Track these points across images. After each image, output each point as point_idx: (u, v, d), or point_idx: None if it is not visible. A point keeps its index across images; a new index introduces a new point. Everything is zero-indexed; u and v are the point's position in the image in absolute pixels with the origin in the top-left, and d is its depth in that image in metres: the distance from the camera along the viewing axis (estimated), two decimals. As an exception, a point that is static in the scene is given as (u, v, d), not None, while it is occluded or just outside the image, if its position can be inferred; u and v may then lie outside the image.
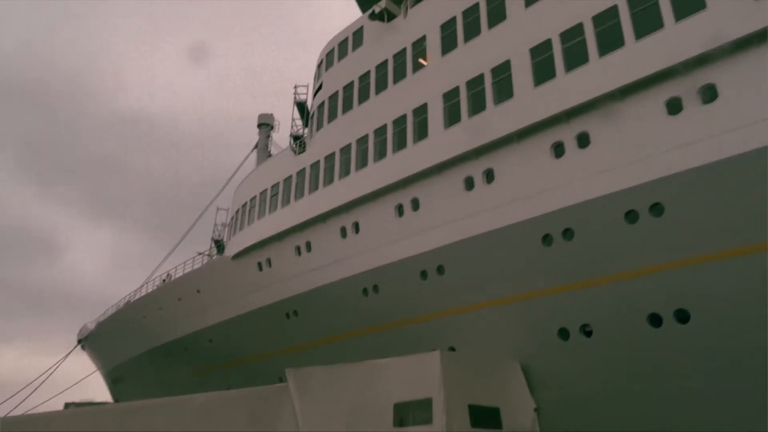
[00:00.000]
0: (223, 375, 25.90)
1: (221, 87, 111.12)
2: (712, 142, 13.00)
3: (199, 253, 30.19)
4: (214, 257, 29.41)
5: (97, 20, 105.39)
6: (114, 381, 38.46)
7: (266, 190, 25.84)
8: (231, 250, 26.67)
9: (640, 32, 14.87)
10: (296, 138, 26.26)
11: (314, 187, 23.19)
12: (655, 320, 13.36)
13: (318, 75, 26.39)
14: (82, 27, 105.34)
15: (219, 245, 30.02)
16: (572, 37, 16.38)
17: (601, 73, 15.28)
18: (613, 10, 15.52)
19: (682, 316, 12.99)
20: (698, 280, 12.81)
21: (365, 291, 20.00)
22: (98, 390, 41.56)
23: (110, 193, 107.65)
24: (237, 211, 27.74)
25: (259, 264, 24.68)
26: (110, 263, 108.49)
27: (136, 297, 33.03)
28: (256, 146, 34.71)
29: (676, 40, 14.06)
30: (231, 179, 32.71)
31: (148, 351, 32.07)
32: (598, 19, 15.88)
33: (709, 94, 13.50)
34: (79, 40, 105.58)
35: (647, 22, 14.81)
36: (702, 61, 13.58)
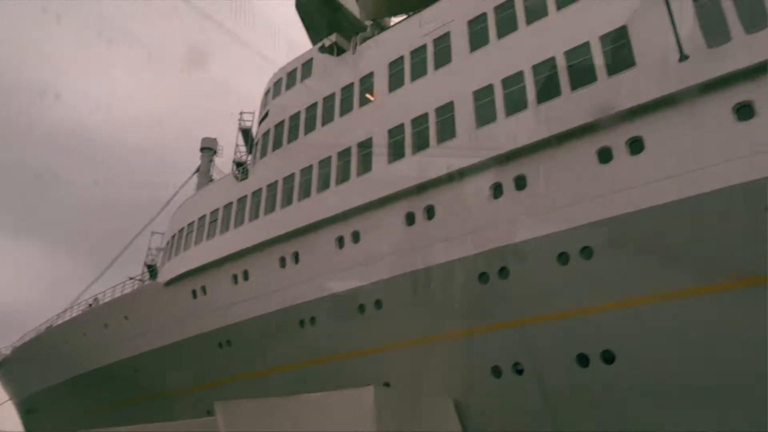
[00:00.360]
0: (149, 407, 24.70)
1: (164, 106, 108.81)
2: (637, 192, 13.76)
3: (131, 278, 29.02)
4: (146, 282, 28.32)
5: (29, 27, 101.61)
6: (28, 411, 35.92)
7: (205, 215, 25.28)
8: (164, 275, 25.78)
9: (576, 84, 15.73)
10: (239, 164, 25.95)
11: (255, 215, 22.89)
12: (583, 360, 13.79)
13: (265, 103, 26.33)
14: (12, 35, 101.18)
15: (152, 270, 28.96)
16: (513, 83, 17.12)
17: (539, 120, 15.99)
18: (551, 62, 16.37)
19: (608, 357, 13.48)
20: (623, 322, 13.37)
21: (302, 323, 19.71)
22: (9, 421, 38.65)
23: (37, 210, 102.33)
24: (173, 236, 26.93)
25: (194, 291, 23.95)
26: (33, 284, 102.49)
27: (59, 321, 31.24)
28: (197, 170, 34.01)
29: (608, 93, 14.95)
30: (169, 202, 31.84)
31: (67, 380, 30.24)
32: (537, 69, 16.69)
33: (637, 146, 14.35)
34: (9, 47, 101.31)
35: (582, 75, 15.70)
36: (631, 114, 14.47)
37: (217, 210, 24.79)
